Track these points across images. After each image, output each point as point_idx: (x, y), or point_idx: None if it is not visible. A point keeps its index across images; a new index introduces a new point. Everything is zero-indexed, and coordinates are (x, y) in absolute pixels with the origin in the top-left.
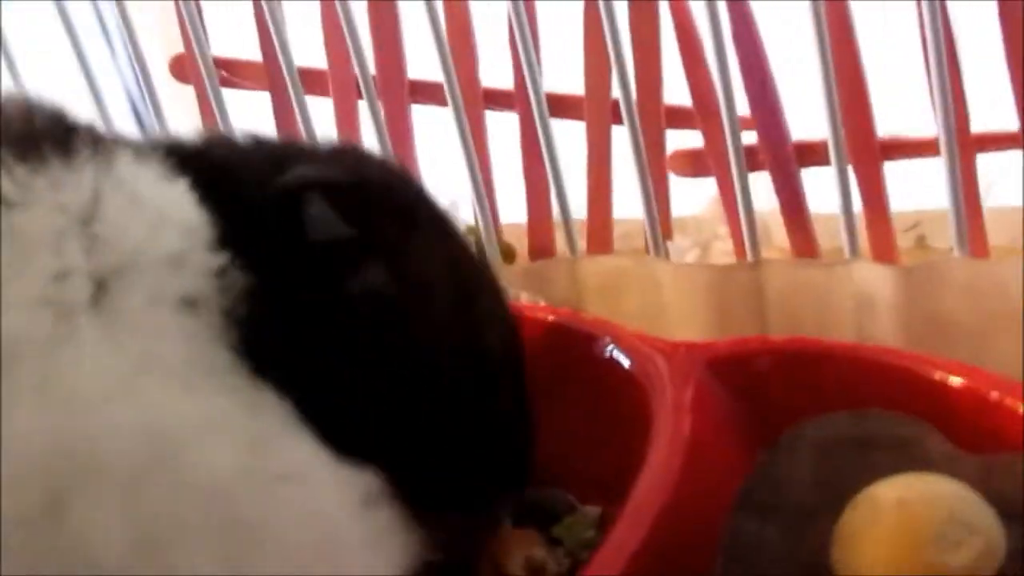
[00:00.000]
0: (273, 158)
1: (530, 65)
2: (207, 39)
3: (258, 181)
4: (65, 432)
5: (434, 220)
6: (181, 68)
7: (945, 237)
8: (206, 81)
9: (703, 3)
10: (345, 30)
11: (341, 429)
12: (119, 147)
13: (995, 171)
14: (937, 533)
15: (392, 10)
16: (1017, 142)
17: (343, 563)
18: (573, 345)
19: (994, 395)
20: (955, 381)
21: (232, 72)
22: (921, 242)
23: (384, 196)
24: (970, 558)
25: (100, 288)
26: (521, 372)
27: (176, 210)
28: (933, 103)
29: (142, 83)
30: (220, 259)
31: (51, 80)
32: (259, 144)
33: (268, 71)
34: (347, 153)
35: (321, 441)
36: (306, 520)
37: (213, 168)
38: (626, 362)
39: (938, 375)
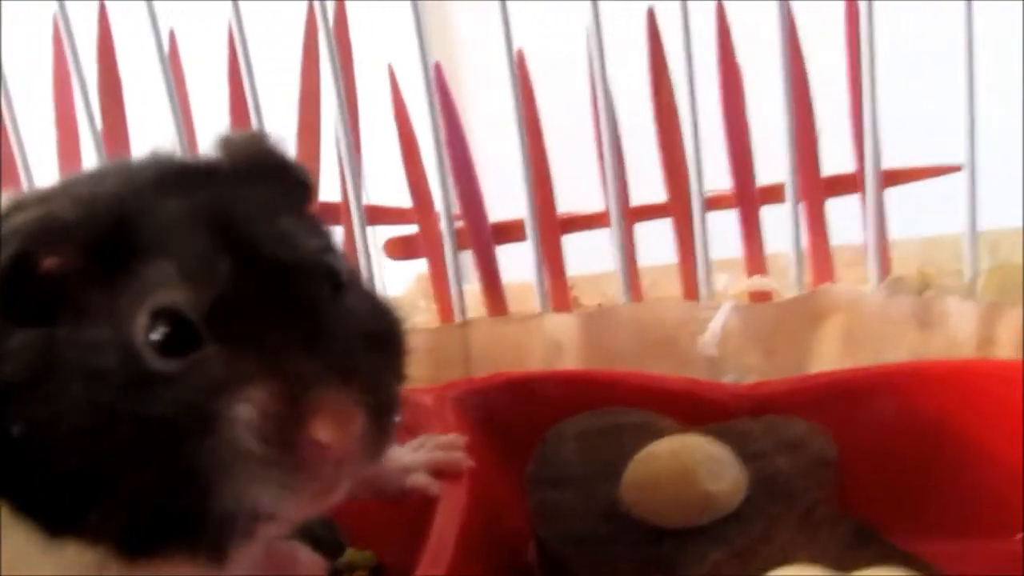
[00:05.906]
0: None
1: None
2: None
3: None
4: None
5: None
6: None
7: (592, 296)
8: None
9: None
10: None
11: (55, 506)
12: None
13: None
14: (704, 469)
15: None
16: (666, 211)
17: None
18: None
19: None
20: (655, 382)
21: None
22: (576, 301)
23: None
24: (729, 484)
25: None
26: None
27: None
28: (604, 183)
29: None
30: None
31: None
32: None
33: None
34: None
35: (44, 524)
36: None
37: None
38: None
39: (641, 381)
